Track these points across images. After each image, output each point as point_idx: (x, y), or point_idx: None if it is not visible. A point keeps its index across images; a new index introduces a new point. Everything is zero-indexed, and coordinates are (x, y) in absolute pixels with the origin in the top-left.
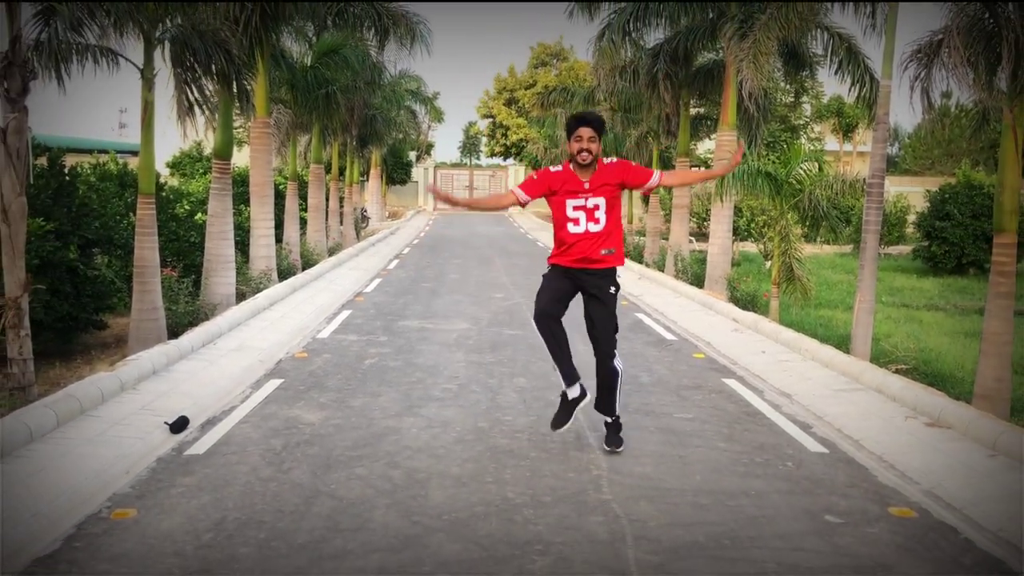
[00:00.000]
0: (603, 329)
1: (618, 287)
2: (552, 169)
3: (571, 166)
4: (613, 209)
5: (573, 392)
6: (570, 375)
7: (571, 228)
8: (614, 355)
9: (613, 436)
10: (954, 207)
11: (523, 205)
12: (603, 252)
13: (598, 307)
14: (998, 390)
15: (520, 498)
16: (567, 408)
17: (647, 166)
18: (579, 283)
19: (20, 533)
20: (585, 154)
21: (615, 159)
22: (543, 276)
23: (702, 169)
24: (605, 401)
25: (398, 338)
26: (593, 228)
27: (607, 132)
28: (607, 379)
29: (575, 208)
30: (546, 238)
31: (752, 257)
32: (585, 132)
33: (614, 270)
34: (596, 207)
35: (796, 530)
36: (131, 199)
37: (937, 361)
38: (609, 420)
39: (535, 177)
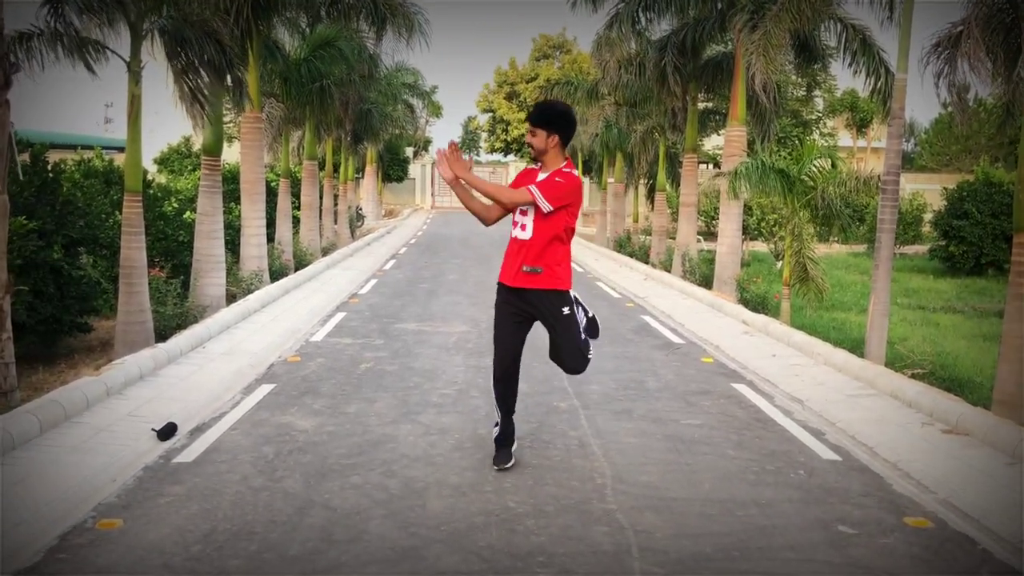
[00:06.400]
0: (570, 356)
1: (570, 304)
2: (534, 168)
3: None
4: (542, 221)
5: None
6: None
7: (512, 232)
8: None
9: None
10: (972, 205)
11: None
12: (524, 269)
13: (555, 335)
14: (1018, 395)
15: (521, 508)
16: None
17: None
18: (529, 309)
19: (1, 544)
20: (529, 147)
21: (562, 173)
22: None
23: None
24: None
25: (394, 341)
26: (520, 235)
27: (569, 127)
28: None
29: (520, 212)
30: None
31: (762, 257)
32: (528, 124)
33: (556, 292)
34: (524, 212)
35: (808, 541)
36: (117, 197)
37: (955, 365)
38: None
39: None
